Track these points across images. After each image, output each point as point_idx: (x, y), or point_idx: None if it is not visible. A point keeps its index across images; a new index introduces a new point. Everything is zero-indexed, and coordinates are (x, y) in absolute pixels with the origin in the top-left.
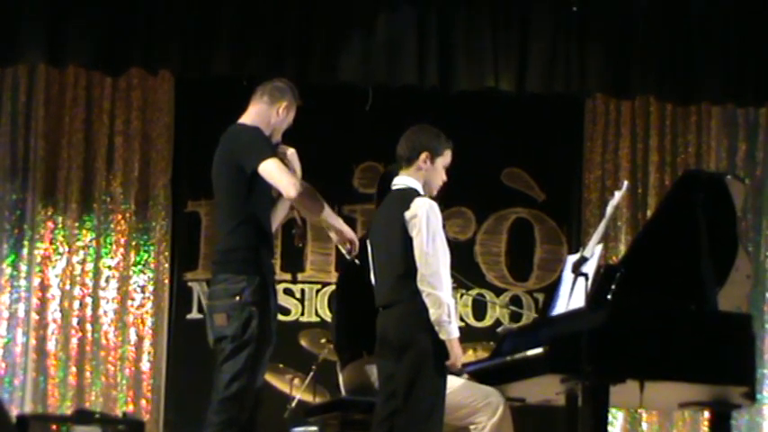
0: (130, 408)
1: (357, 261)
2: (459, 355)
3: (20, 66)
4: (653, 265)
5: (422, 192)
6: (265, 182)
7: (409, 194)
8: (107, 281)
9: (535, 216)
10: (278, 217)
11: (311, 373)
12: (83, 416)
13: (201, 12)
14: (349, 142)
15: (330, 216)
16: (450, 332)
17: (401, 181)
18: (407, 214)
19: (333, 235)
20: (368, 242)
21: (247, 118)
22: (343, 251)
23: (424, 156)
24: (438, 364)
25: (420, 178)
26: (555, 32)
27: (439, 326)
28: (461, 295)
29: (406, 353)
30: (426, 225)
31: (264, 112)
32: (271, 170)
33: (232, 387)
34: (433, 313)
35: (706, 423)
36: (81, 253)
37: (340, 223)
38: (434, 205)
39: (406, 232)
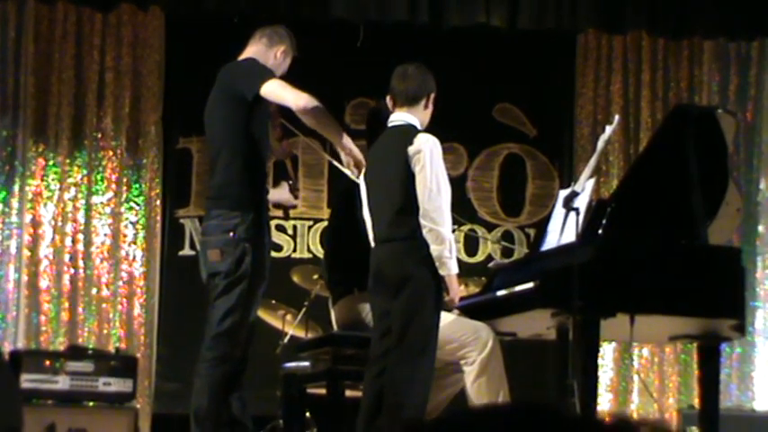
0: (123, 344)
1: (358, 180)
2: (458, 291)
3: (9, 1)
4: (644, 200)
5: (420, 129)
6: (264, 114)
7: (410, 130)
8: (99, 217)
9: (527, 151)
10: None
11: (303, 309)
12: (76, 351)
13: None
14: (340, 79)
15: (345, 137)
16: (451, 268)
17: (400, 117)
18: (411, 149)
19: (344, 156)
20: (361, 178)
21: (245, 57)
22: (348, 173)
23: (432, 96)
24: (435, 301)
25: (420, 117)
26: None
27: (440, 262)
28: (453, 231)
29: (404, 288)
30: (430, 161)
31: (263, 54)
32: (274, 88)
33: (225, 323)
34: (434, 249)
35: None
36: (72, 189)
37: (352, 144)
38: (437, 142)
39: (408, 168)
